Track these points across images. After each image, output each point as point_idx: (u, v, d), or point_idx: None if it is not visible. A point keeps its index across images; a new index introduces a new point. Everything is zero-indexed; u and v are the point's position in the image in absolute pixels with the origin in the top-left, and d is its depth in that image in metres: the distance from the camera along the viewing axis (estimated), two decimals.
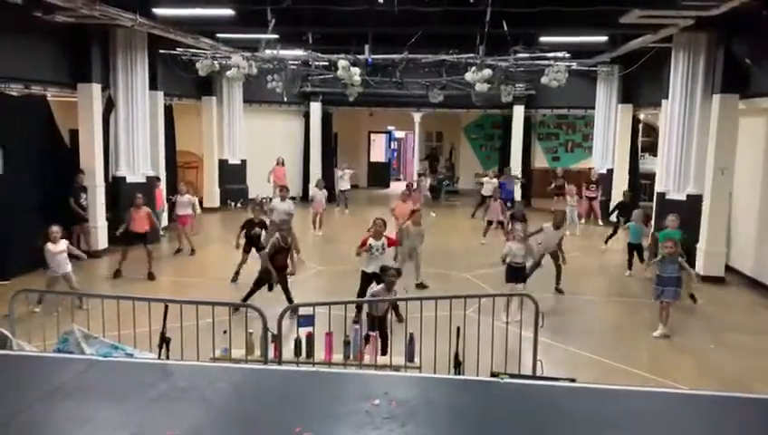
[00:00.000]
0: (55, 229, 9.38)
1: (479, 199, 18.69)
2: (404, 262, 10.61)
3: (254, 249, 11.04)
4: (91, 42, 13.07)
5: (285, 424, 3.32)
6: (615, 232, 14.33)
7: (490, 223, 15.32)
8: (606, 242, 14.22)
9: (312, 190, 17.85)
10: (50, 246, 9.22)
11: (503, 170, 19.98)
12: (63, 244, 9.38)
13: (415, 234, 10.94)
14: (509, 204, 16.84)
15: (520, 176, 20.52)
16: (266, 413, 3.52)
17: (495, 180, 18.56)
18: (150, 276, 11.53)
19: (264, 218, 11.45)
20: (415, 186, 18.21)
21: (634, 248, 12.20)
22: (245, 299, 8.93)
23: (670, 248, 8.92)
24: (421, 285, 10.78)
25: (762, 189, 11.74)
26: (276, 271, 9.43)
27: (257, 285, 9.50)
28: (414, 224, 10.98)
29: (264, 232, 11.07)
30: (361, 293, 8.86)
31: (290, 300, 9.21)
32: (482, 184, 19.09)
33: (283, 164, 19.52)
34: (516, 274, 9.55)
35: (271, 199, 14.64)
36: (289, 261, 9.60)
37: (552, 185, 18.68)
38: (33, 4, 10.56)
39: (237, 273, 11.14)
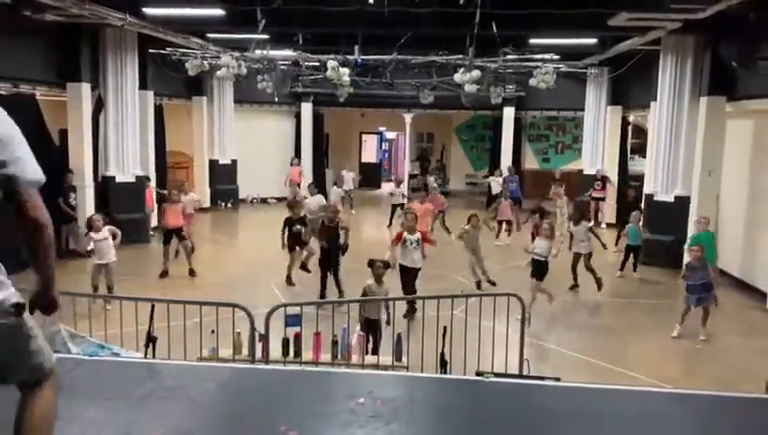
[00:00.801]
0: (96, 217, 9.75)
1: (489, 198, 19.05)
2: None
3: (298, 248, 11.05)
4: (80, 41, 13.01)
5: (271, 423, 3.34)
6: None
7: (501, 223, 15.41)
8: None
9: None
10: (92, 234, 9.50)
11: (508, 170, 20.09)
12: (106, 231, 9.58)
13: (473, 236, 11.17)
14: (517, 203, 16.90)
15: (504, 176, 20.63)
16: (252, 412, 3.54)
17: (501, 179, 18.79)
18: (191, 273, 11.54)
19: (303, 214, 11.43)
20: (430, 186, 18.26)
21: (632, 250, 12.24)
22: (322, 293, 9.88)
23: (697, 252, 8.88)
24: (491, 283, 10.92)
25: (749, 191, 11.84)
26: (327, 253, 10.02)
27: (322, 269, 10.11)
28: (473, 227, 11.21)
29: (303, 228, 11.03)
30: (403, 285, 9.28)
31: (340, 291, 9.80)
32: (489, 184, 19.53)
33: (297, 164, 19.68)
34: (538, 268, 9.71)
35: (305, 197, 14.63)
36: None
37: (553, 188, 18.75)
38: (23, 3, 10.51)
39: (289, 276, 11.05)
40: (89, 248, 9.74)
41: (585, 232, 11.14)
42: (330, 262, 10.12)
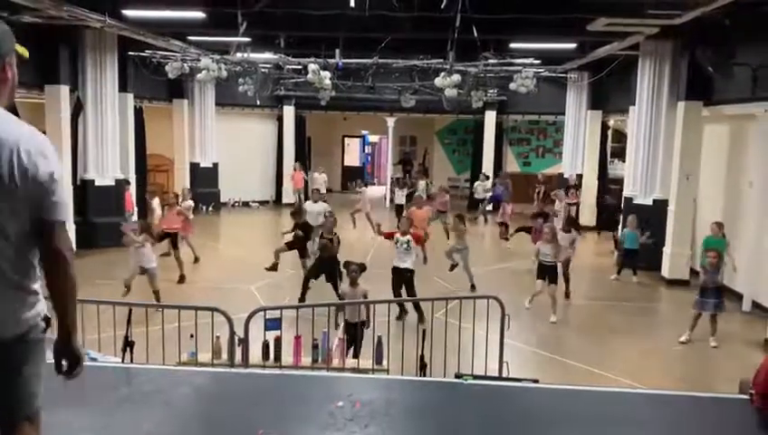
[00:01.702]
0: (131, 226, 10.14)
1: (471, 201, 19.38)
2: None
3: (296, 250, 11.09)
4: (59, 43, 12.86)
5: (248, 426, 3.33)
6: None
7: (501, 224, 15.47)
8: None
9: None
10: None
11: (497, 174, 20.26)
12: (140, 238, 9.64)
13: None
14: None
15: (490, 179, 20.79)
16: (230, 416, 3.53)
17: (488, 183, 18.97)
18: (181, 279, 11.44)
19: (305, 221, 11.47)
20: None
21: (629, 254, 12.28)
22: (302, 298, 9.70)
23: (713, 259, 8.88)
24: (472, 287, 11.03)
25: (725, 194, 12.01)
26: (322, 263, 9.97)
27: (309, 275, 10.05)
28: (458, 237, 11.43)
29: (304, 235, 11.11)
30: (393, 286, 9.29)
31: (339, 296, 9.62)
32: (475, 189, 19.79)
33: (299, 169, 19.71)
34: (546, 272, 9.81)
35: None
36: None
37: (537, 191, 18.93)
38: None
39: (274, 265, 11.08)
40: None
41: (571, 241, 11.25)
42: (318, 272, 10.06)
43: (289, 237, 11.29)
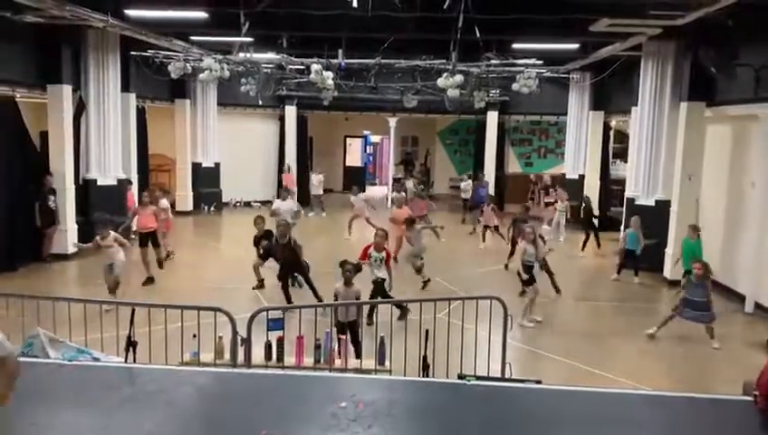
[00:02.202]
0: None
1: (462, 204, 19.39)
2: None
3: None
4: (61, 42, 12.88)
5: (251, 427, 3.32)
6: (588, 238, 14.74)
7: (486, 228, 15.50)
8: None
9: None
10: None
11: (477, 176, 20.21)
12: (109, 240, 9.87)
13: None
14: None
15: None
16: (232, 416, 3.52)
17: (470, 182, 18.97)
18: (149, 280, 11.39)
19: (267, 229, 11.39)
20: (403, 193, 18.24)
21: (631, 255, 12.28)
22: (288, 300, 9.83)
23: (698, 271, 8.80)
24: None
25: (728, 195, 11.99)
26: (284, 267, 10.09)
27: (280, 279, 10.13)
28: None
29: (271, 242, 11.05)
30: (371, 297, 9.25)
31: (318, 299, 9.70)
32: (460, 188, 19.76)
33: (289, 171, 19.67)
34: (529, 272, 9.79)
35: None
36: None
37: (531, 191, 19.02)
38: (2, 4, 10.40)
39: (260, 281, 11.11)
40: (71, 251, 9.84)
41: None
42: (287, 275, 10.23)
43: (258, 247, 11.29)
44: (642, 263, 12.34)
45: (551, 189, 18.47)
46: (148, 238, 11.66)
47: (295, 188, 18.74)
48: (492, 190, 20.41)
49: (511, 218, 13.97)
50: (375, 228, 10.52)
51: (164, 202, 13.50)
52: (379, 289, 9.30)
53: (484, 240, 15.27)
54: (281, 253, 10.27)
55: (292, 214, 12.82)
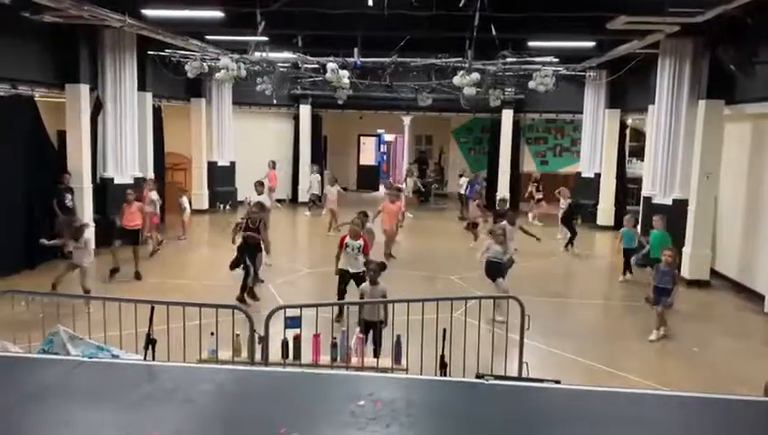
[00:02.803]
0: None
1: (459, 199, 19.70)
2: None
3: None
4: (79, 42, 13.01)
5: (270, 425, 3.33)
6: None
7: (471, 224, 15.42)
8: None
9: (325, 188, 18.11)
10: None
11: (471, 173, 20.42)
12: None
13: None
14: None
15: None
16: (251, 414, 3.53)
17: (464, 179, 19.10)
18: (137, 275, 11.45)
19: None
20: (403, 185, 18.26)
21: (628, 253, 12.20)
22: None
23: (669, 257, 8.93)
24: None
25: (746, 194, 11.87)
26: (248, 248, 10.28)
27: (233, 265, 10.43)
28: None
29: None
30: (339, 291, 9.14)
31: (257, 276, 10.18)
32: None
33: (273, 167, 19.56)
34: (494, 268, 9.72)
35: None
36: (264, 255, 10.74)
37: (530, 190, 19.12)
38: (21, 4, 10.50)
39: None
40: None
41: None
42: (242, 257, 10.32)
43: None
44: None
45: (540, 185, 18.86)
46: (134, 235, 11.72)
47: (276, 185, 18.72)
48: (506, 189, 20.39)
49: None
50: (339, 219, 10.59)
51: (153, 195, 13.58)
52: (348, 282, 9.09)
53: (476, 239, 15.02)
54: (250, 237, 10.32)
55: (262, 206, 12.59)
